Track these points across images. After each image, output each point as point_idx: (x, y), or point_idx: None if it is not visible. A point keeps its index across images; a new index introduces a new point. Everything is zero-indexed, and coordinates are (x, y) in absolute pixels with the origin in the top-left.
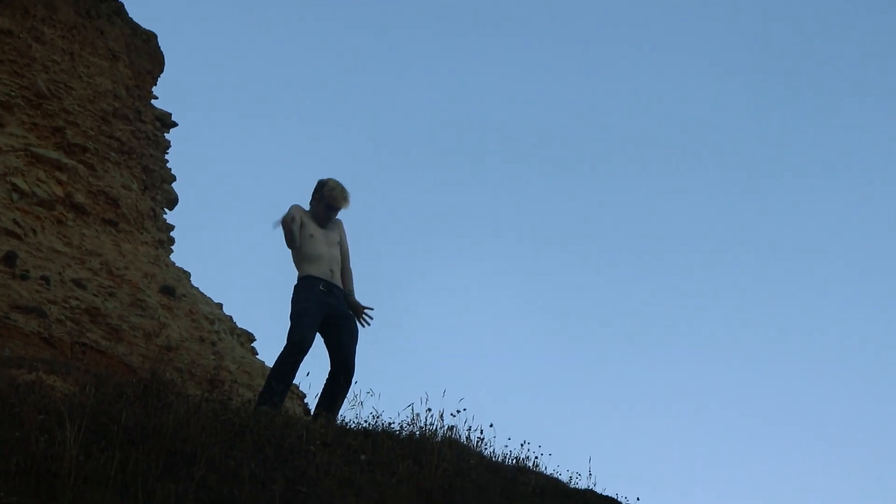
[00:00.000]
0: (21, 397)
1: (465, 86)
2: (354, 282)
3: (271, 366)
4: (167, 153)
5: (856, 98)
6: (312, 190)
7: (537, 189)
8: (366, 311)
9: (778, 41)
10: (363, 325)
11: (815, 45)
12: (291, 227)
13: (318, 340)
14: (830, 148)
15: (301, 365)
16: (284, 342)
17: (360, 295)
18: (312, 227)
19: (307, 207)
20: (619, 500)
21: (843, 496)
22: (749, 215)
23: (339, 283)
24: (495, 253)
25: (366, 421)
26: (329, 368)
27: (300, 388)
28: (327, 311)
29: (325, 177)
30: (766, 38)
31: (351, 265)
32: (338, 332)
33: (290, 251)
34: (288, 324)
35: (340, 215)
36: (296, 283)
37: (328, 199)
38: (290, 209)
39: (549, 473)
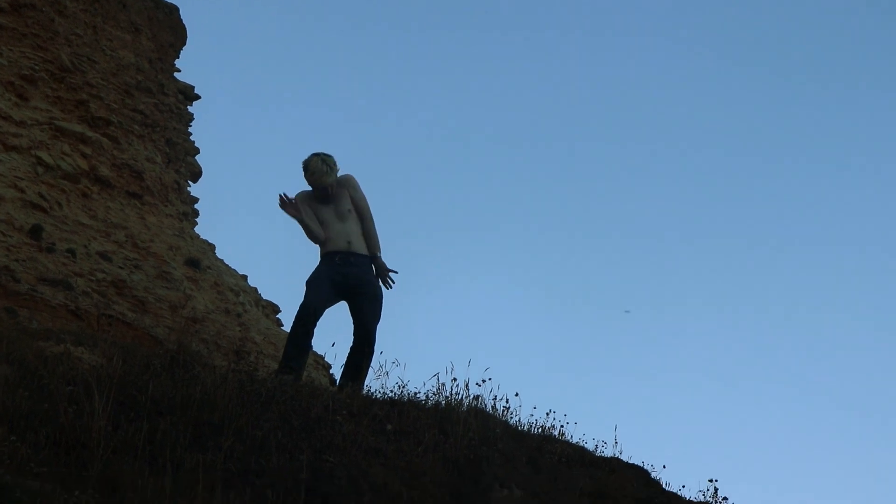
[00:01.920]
0: (49, 369)
1: (470, 84)
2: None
3: None
4: (190, 126)
5: (856, 93)
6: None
7: (557, 171)
8: (390, 273)
9: (778, 36)
10: (387, 287)
11: (815, 38)
12: (310, 225)
13: (347, 312)
14: (831, 144)
15: (321, 332)
16: None
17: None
18: (320, 210)
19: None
20: (645, 468)
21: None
22: (774, 190)
23: (359, 250)
24: (525, 231)
25: (392, 391)
26: (352, 339)
27: (325, 359)
28: (343, 280)
29: (306, 155)
30: (765, 34)
31: (373, 223)
32: (359, 301)
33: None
34: None
35: (349, 170)
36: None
37: (313, 182)
38: (297, 203)
39: (574, 442)
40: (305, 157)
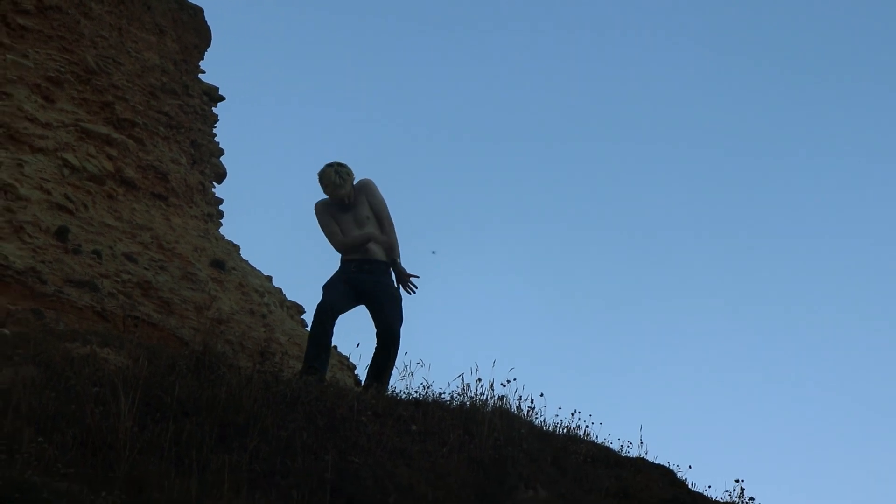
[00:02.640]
0: (76, 370)
1: (477, 84)
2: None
3: None
4: (215, 127)
5: (855, 92)
6: None
7: (582, 172)
8: (411, 278)
9: (777, 35)
10: (409, 293)
11: (814, 38)
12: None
13: (367, 316)
14: (832, 142)
15: (344, 332)
16: None
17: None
18: (340, 217)
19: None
20: (671, 468)
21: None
22: (783, 184)
23: (377, 256)
24: (552, 231)
25: (416, 391)
26: (376, 341)
27: (350, 360)
28: (360, 284)
29: (324, 163)
30: (764, 33)
31: (393, 228)
32: (378, 303)
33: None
34: None
35: (367, 174)
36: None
37: (328, 194)
38: (324, 224)
39: (599, 442)
40: (321, 167)
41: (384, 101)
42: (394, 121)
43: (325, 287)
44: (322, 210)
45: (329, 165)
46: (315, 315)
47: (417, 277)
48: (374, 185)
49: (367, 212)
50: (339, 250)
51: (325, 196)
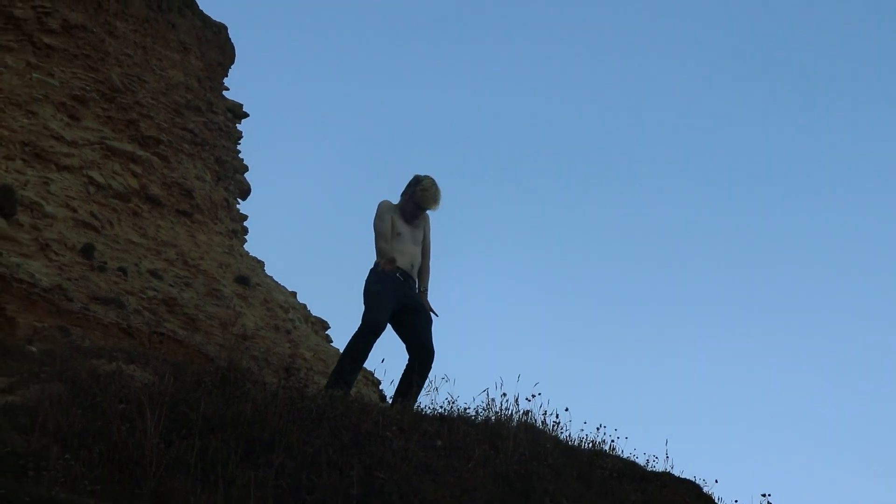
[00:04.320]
0: (102, 387)
1: (486, 90)
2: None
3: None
4: (239, 144)
5: (856, 103)
6: (407, 183)
7: (603, 182)
8: (431, 312)
9: (780, 48)
10: None
11: (816, 50)
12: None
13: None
14: (836, 151)
15: (374, 349)
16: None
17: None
18: (400, 225)
19: (396, 200)
20: (697, 482)
21: None
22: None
23: (416, 277)
24: (577, 246)
25: (441, 406)
26: (407, 357)
27: (375, 375)
28: (403, 299)
29: (421, 173)
30: (768, 46)
31: (430, 263)
32: (414, 319)
33: (374, 241)
34: (362, 306)
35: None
36: (373, 266)
37: (419, 198)
38: (382, 221)
39: (625, 456)
40: (420, 174)
41: (408, 118)
42: (418, 134)
43: (372, 296)
44: (388, 209)
45: (434, 179)
46: (362, 329)
47: (437, 316)
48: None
49: (423, 236)
50: (378, 254)
51: (388, 200)
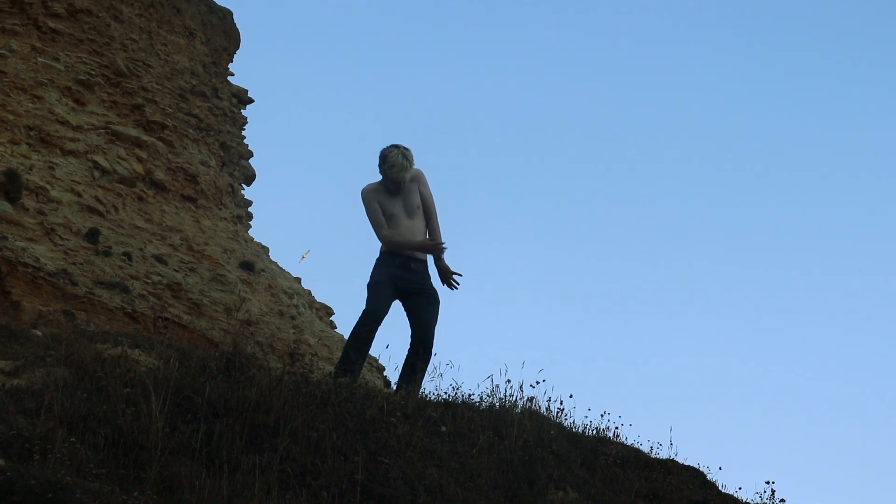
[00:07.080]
0: (107, 371)
1: (488, 86)
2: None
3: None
4: (244, 129)
5: (857, 98)
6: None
7: (611, 172)
8: (454, 275)
9: (784, 48)
10: (451, 289)
11: (817, 44)
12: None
13: (402, 315)
14: (838, 147)
15: (377, 335)
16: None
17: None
18: (390, 204)
19: (377, 179)
20: (701, 469)
21: None
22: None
23: (423, 256)
24: (581, 234)
25: (446, 392)
26: (409, 341)
27: (380, 361)
28: (404, 284)
29: (386, 145)
30: (773, 43)
31: (438, 222)
32: (417, 305)
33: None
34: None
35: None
36: (378, 256)
37: (392, 176)
38: (370, 210)
39: (629, 444)
40: (384, 147)
41: (414, 102)
42: (423, 121)
43: (371, 287)
44: (370, 196)
45: (395, 146)
46: (362, 318)
47: (461, 275)
48: (425, 176)
49: (418, 201)
50: (382, 242)
51: (372, 182)
